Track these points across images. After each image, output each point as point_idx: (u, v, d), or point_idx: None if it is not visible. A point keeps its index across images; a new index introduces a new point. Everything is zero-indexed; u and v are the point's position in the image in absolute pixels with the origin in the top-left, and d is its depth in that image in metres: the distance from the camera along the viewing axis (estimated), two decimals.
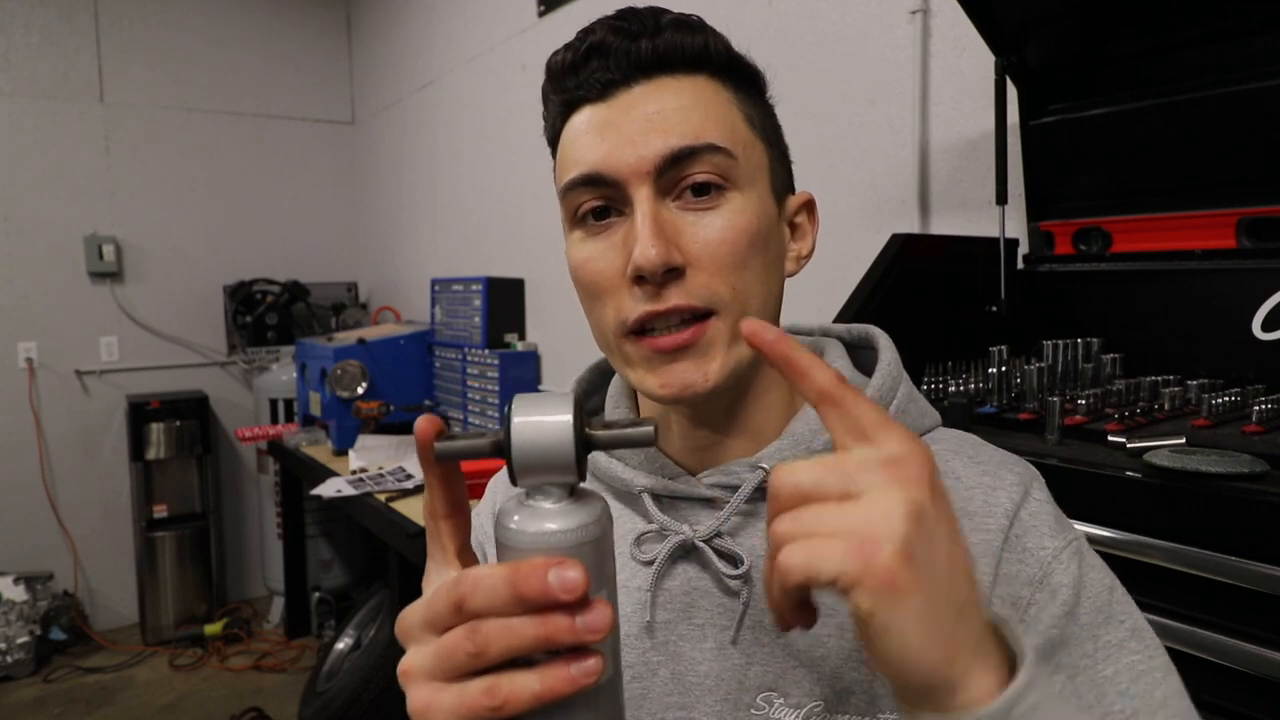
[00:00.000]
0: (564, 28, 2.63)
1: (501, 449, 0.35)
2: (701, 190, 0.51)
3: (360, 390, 2.96)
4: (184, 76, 3.83)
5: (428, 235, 3.66)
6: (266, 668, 3.30)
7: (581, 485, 0.37)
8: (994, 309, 1.31)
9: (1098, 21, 1.17)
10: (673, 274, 0.50)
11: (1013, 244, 1.35)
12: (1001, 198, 1.32)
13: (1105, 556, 0.55)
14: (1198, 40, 1.08)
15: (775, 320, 0.57)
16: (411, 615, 0.36)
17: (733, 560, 0.53)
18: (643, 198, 0.50)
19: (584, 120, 0.53)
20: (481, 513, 0.69)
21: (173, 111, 3.81)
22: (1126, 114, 1.17)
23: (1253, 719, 0.81)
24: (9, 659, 3.19)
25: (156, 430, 3.52)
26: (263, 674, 3.26)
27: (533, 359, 2.80)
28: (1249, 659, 0.80)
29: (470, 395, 2.87)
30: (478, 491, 0.73)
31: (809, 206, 0.60)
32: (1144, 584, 0.78)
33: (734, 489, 0.55)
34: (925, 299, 1.26)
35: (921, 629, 0.33)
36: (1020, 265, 1.36)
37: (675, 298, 0.50)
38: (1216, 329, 1.10)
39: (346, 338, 3.20)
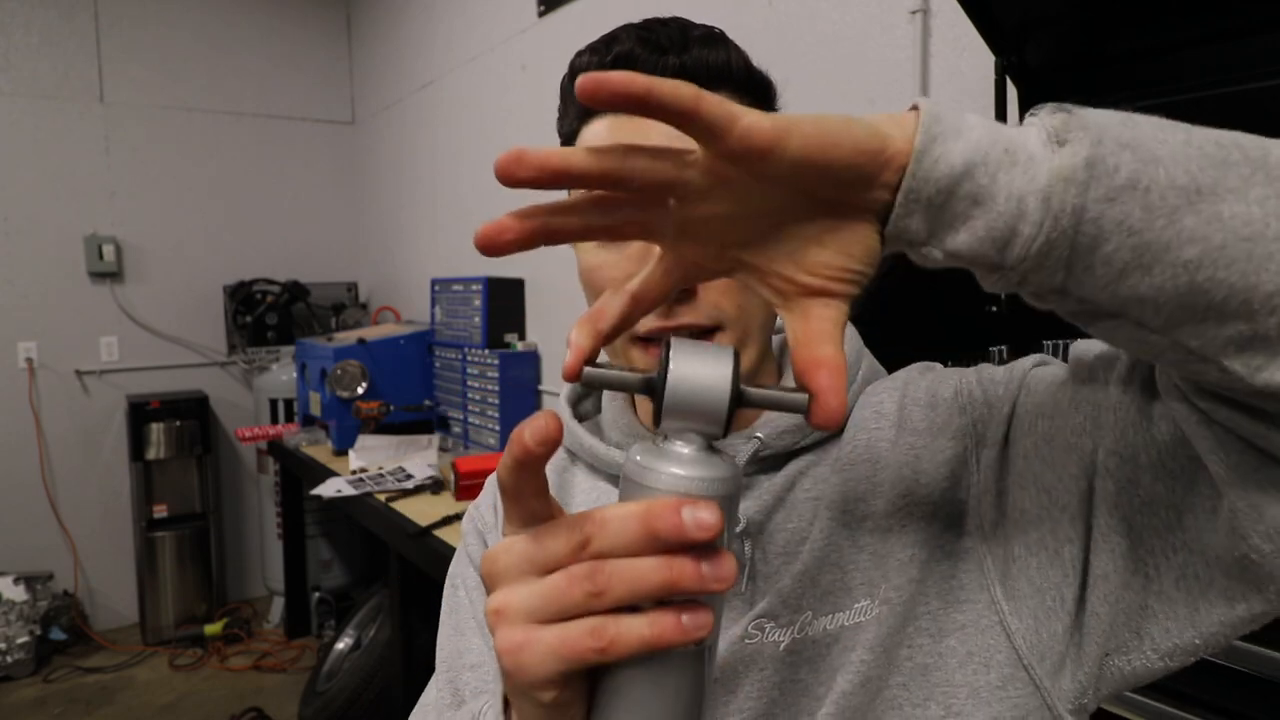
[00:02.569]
0: (564, 28, 2.63)
1: (653, 387, 0.34)
2: None
3: (360, 390, 2.96)
4: (184, 76, 3.83)
5: (428, 235, 3.66)
6: (266, 668, 3.30)
7: (719, 443, 0.36)
8: (994, 309, 1.31)
9: (1098, 21, 1.17)
10: (685, 295, 0.52)
11: None
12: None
13: None
14: (1198, 40, 1.08)
15: (772, 330, 0.60)
16: (507, 556, 0.35)
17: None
18: None
19: (603, 129, 0.55)
20: (481, 505, 0.70)
21: (173, 111, 3.81)
22: None
23: (1253, 719, 0.82)
24: (9, 659, 3.19)
25: (156, 430, 3.52)
26: (263, 674, 3.26)
27: (533, 359, 2.80)
28: (1249, 659, 0.80)
29: (470, 395, 2.87)
30: (474, 493, 0.73)
31: None
32: None
33: None
34: (925, 299, 1.26)
35: (811, 129, 0.32)
36: None
37: (686, 315, 0.53)
38: None
39: (346, 338, 3.20)
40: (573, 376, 0.35)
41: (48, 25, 3.53)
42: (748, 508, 0.56)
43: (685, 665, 0.34)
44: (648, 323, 0.53)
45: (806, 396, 0.34)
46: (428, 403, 3.09)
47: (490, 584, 0.35)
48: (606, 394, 0.67)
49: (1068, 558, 0.48)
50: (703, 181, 0.33)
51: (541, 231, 0.34)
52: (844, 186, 0.33)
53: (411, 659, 2.25)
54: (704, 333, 0.53)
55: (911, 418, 0.56)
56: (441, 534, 1.96)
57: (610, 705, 0.34)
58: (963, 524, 0.52)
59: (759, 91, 0.58)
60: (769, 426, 0.56)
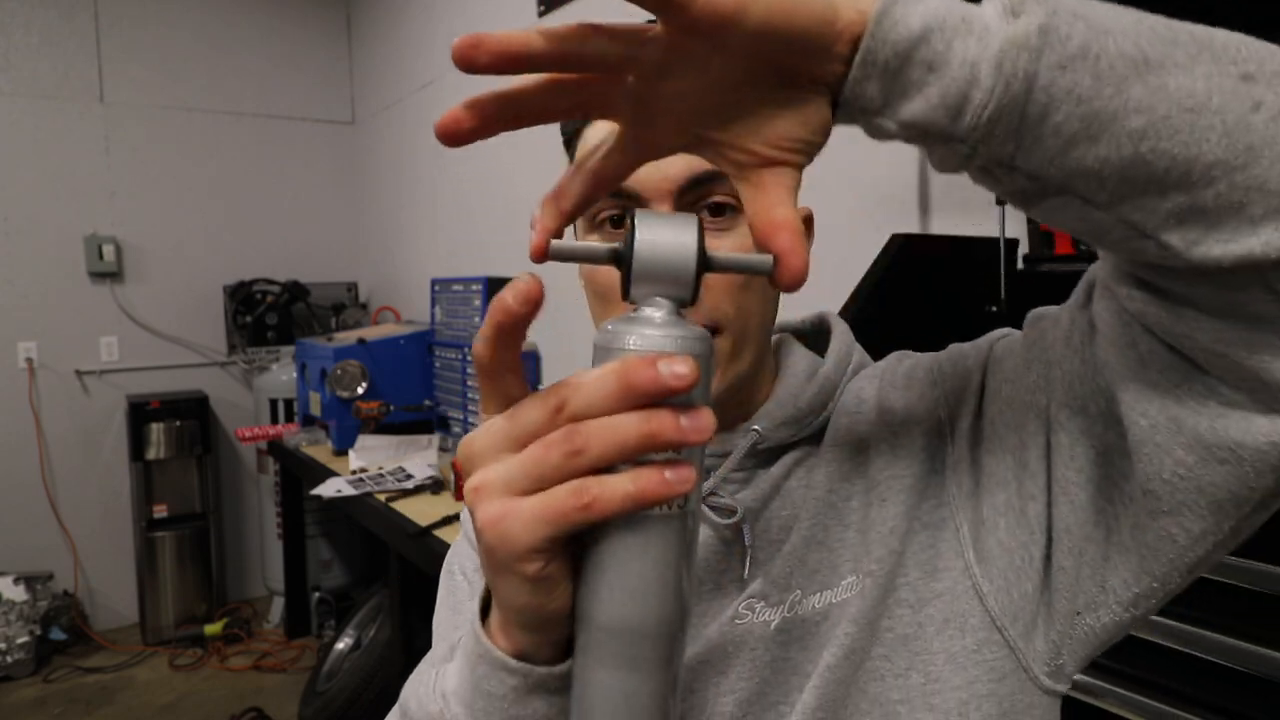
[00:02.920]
0: None
1: (620, 256, 0.35)
2: (718, 210, 0.54)
3: (360, 390, 2.96)
4: (184, 76, 3.83)
5: (428, 235, 3.66)
6: (266, 668, 3.30)
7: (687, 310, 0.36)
8: (994, 309, 1.31)
9: None
10: None
11: (1013, 244, 1.35)
12: (1001, 198, 1.32)
13: None
14: None
15: (770, 330, 0.61)
16: (484, 437, 0.35)
17: (728, 512, 0.56)
18: None
19: (606, 128, 0.55)
20: (461, 544, 0.69)
21: (173, 111, 3.81)
22: None
23: (1253, 719, 0.82)
24: (9, 659, 3.19)
25: (156, 430, 3.52)
26: (263, 674, 3.26)
27: (532, 359, 2.80)
28: (1249, 659, 0.80)
29: (470, 395, 2.87)
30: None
31: (807, 222, 0.64)
32: None
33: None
34: (925, 299, 1.26)
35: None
36: (1020, 265, 1.36)
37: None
38: None
39: (346, 338, 3.19)
40: (539, 255, 0.35)
41: (48, 25, 3.53)
42: (746, 497, 0.57)
43: (670, 529, 0.34)
44: None
45: (770, 258, 0.35)
46: (428, 403, 3.09)
47: (468, 467, 0.35)
48: None
49: (1033, 516, 0.50)
50: (662, 57, 0.33)
51: (498, 117, 0.34)
52: (803, 55, 0.33)
53: (411, 659, 2.24)
54: None
55: (889, 399, 0.58)
56: (441, 534, 1.96)
57: (596, 578, 0.34)
58: (941, 495, 0.54)
59: None
60: (766, 420, 0.57)
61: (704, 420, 0.31)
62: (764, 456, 0.58)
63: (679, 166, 0.53)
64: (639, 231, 0.34)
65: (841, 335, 0.63)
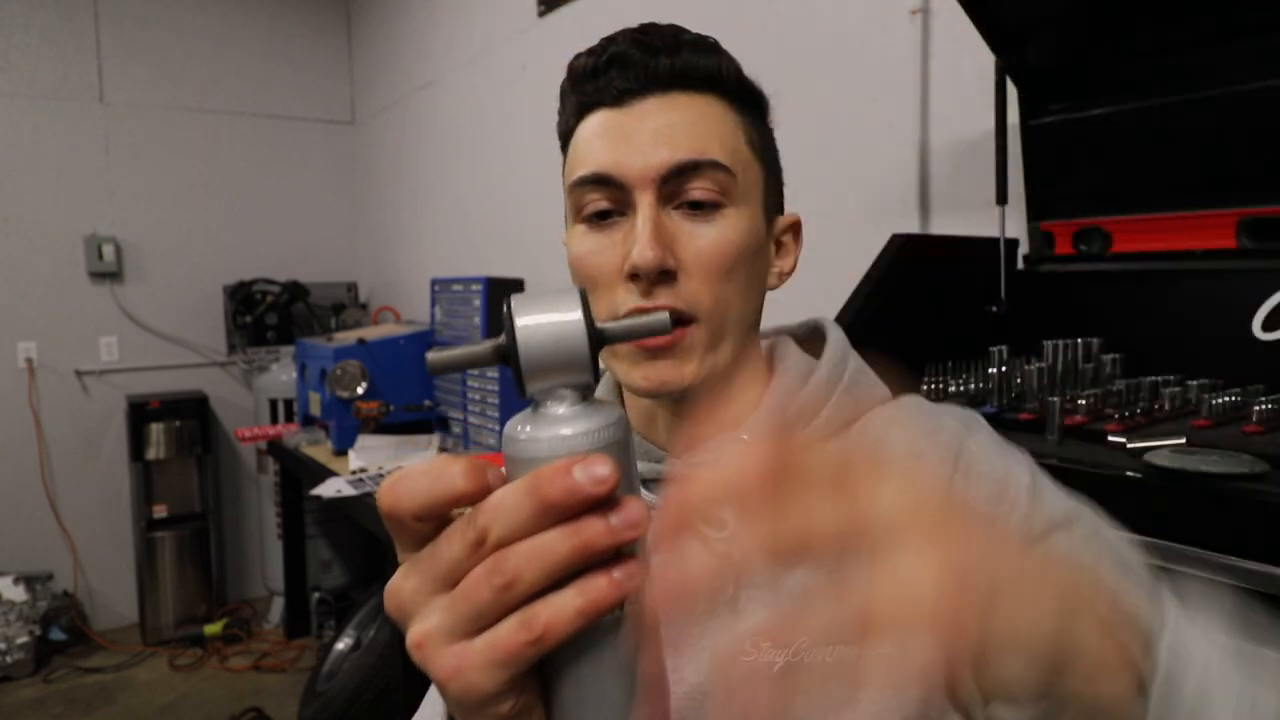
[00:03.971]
0: (564, 28, 2.63)
1: (504, 353, 0.32)
2: (696, 205, 0.55)
3: (360, 390, 2.96)
4: (184, 76, 3.83)
5: (428, 235, 3.66)
6: (266, 668, 3.30)
7: (593, 392, 0.34)
8: (994, 309, 1.31)
9: (1098, 21, 1.17)
10: (665, 276, 0.54)
11: (1013, 244, 1.35)
12: (1001, 198, 1.32)
13: None
14: (1198, 40, 1.08)
15: (752, 328, 0.60)
16: (408, 583, 0.32)
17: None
18: (646, 203, 0.55)
19: (598, 123, 0.57)
20: None
21: (173, 111, 3.81)
22: (1127, 114, 1.17)
23: None
24: (9, 659, 3.19)
25: (156, 430, 3.52)
26: (263, 674, 3.26)
27: None
28: None
29: (470, 395, 2.87)
30: None
31: (795, 228, 0.65)
32: None
33: None
34: (925, 299, 1.26)
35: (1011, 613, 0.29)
36: (1020, 265, 1.36)
37: (664, 298, 0.54)
38: (1216, 329, 1.10)
39: (346, 338, 3.19)
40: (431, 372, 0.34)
41: (48, 25, 3.53)
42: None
43: (624, 626, 0.32)
44: (630, 303, 0.55)
45: (665, 316, 0.34)
46: (428, 403, 3.09)
47: (401, 620, 0.33)
48: (598, 393, 0.66)
49: None
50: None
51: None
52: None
53: (411, 659, 2.25)
54: (680, 322, 0.55)
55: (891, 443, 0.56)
56: None
57: (561, 695, 0.32)
58: None
59: (749, 101, 0.60)
60: (754, 428, 0.57)
61: (634, 513, 0.29)
62: None
63: (663, 155, 0.54)
64: (517, 321, 0.32)
65: (836, 342, 0.63)
